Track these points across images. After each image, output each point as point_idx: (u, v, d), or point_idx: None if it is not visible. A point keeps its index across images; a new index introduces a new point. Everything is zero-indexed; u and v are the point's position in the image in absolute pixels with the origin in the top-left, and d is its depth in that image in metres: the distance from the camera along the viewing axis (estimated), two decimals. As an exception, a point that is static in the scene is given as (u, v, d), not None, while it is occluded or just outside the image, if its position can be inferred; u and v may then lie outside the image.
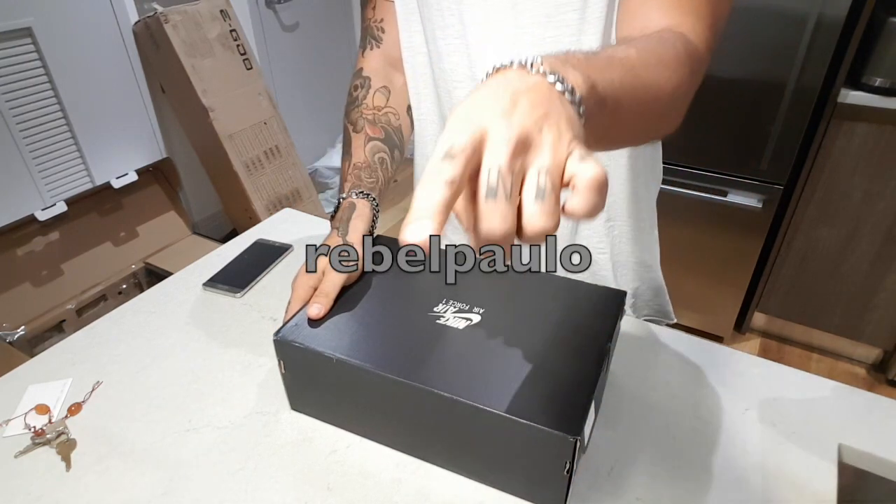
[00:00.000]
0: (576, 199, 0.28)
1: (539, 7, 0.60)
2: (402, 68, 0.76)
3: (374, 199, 0.69)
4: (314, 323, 0.58)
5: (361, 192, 0.69)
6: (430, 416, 0.52)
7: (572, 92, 0.32)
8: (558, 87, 0.32)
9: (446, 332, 0.56)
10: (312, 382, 0.59)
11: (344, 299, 0.62)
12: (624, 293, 0.61)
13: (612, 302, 0.60)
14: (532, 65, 0.33)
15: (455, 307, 0.59)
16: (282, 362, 0.59)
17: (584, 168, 0.28)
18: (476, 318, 0.58)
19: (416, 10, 0.70)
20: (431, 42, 0.68)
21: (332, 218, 0.70)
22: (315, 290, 0.61)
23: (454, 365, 0.52)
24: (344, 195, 0.69)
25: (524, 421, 0.46)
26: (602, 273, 0.76)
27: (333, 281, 0.60)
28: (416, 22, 0.71)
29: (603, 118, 0.37)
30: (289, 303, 0.62)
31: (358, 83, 0.76)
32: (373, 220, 0.68)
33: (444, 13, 0.65)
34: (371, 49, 0.76)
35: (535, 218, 0.28)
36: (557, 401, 0.48)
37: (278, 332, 0.57)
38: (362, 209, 0.67)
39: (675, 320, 0.85)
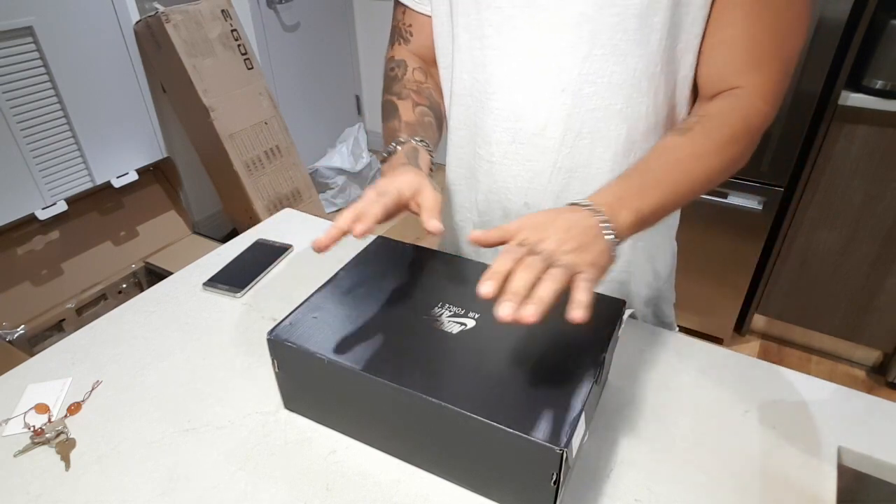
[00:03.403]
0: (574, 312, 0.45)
1: (587, 24, 0.60)
2: (432, 63, 0.77)
3: (431, 150, 0.67)
4: (312, 320, 0.58)
5: (422, 140, 0.67)
6: (419, 421, 0.52)
7: (616, 238, 0.51)
8: (608, 235, 0.50)
9: (440, 337, 0.56)
10: (304, 382, 0.59)
11: (342, 300, 0.62)
12: (623, 302, 0.61)
13: (611, 311, 0.59)
14: (593, 209, 0.51)
15: (451, 311, 0.59)
16: (275, 361, 0.59)
17: (577, 299, 0.46)
18: (471, 323, 0.57)
19: (448, 20, 0.70)
20: (467, 51, 0.68)
21: (385, 160, 0.66)
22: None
23: (445, 370, 0.52)
24: (401, 140, 0.66)
25: (511, 430, 0.46)
26: (610, 281, 0.76)
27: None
28: (445, 35, 0.71)
29: (649, 225, 0.56)
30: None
31: (394, 66, 0.77)
32: (430, 169, 0.65)
33: (483, 24, 0.65)
34: (399, 45, 0.78)
35: (539, 287, 0.45)
36: (547, 411, 0.48)
37: (272, 331, 0.57)
38: (425, 156, 0.66)
39: (676, 329, 0.85)
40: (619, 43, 0.59)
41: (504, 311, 0.44)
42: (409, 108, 0.72)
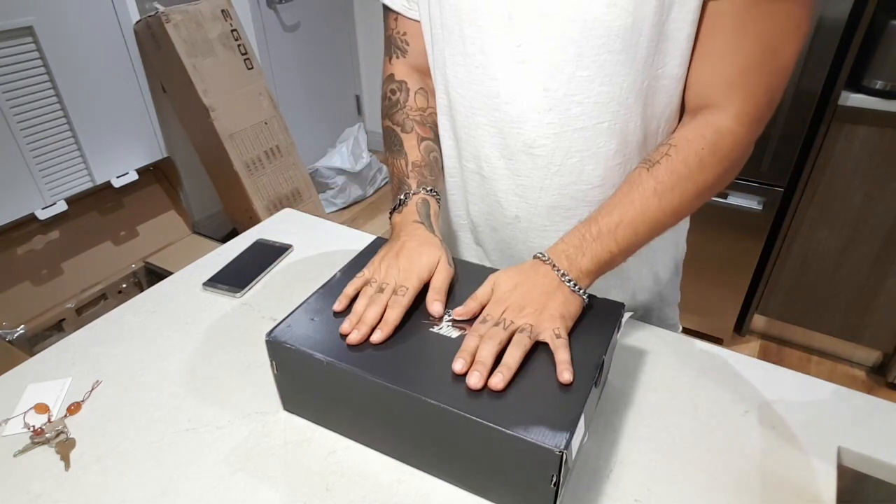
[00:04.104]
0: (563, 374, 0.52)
1: (571, 45, 0.59)
2: (430, 76, 0.75)
3: (439, 197, 0.70)
4: (310, 321, 0.58)
5: (431, 189, 0.69)
6: (419, 423, 0.52)
7: (576, 285, 0.57)
8: (568, 283, 0.57)
9: (439, 341, 0.56)
10: (303, 384, 0.59)
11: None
12: (622, 305, 0.61)
13: (610, 314, 0.59)
14: (556, 267, 0.58)
15: (450, 315, 0.59)
16: (274, 363, 0.59)
17: (559, 360, 0.52)
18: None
19: (429, 33, 0.69)
20: (451, 67, 0.67)
21: (396, 210, 0.69)
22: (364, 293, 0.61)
23: (445, 373, 0.52)
24: (411, 191, 0.69)
25: (510, 432, 0.46)
26: (606, 289, 0.76)
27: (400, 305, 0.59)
28: (430, 44, 0.71)
29: (615, 265, 0.60)
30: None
31: (394, 87, 0.76)
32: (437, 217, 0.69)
33: (466, 41, 0.64)
34: (397, 58, 0.76)
35: (505, 355, 0.53)
36: (546, 414, 0.48)
37: (271, 332, 0.57)
38: (434, 207, 0.68)
39: (680, 330, 0.85)
40: (604, 63, 0.59)
41: (471, 380, 0.50)
42: (415, 144, 0.72)
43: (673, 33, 0.57)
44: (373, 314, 0.57)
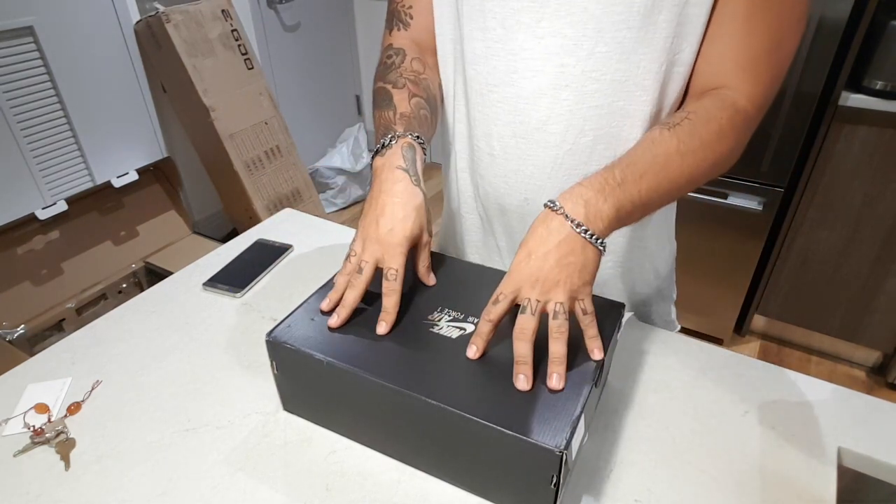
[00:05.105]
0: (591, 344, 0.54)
1: (592, 21, 0.60)
2: (430, 52, 0.75)
3: (425, 146, 0.66)
4: (310, 322, 0.58)
5: (418, 136, 0.64)
6: (419, 423, 0.52)
7: (594, 235, 0.52)
8: (585, 236, 0.52)
9: (439, 341, 0.56)
10: (303, 384, 0.59)
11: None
12: (622, 305, 0.61)
13: (610, 314, 0.59)
14: (569, 217, 0.52)
15: (450, 316, 0.59)
16: (274, 363, 0.59)
17: (589, 336, 0.54)
18: (470, 328, 0.57)
19: (453, 9, 0.69)
20: (469, 42, 0.67)
21: (378, 153, 0.64)
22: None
23: (445, 373, 0.52)
24: (397, 134, 0.63)
25: (511, 433, 0.46)
26: (610, 281, 0.76)
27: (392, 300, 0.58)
28: (447, 24, 0.71)
29: (631, 221, 0.57)
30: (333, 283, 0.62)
31: (391, 53, 0.74)
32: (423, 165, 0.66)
33: (487, 16, 0.64)
34: (398, 30, 0.75)
35: (553, 329, 0.51)
36: (546, 414, 0.48)
37: (271, 332, 0.57)
38: (420, 154, 0.64)
39: (679, 328, 0.84)
40: (623, 41, 0.59)
41: (520, 384, 0.51)
42: (405, 98, 0.69)
43: (692, 18, 0.58)
44: (352, 298, 0.58)
